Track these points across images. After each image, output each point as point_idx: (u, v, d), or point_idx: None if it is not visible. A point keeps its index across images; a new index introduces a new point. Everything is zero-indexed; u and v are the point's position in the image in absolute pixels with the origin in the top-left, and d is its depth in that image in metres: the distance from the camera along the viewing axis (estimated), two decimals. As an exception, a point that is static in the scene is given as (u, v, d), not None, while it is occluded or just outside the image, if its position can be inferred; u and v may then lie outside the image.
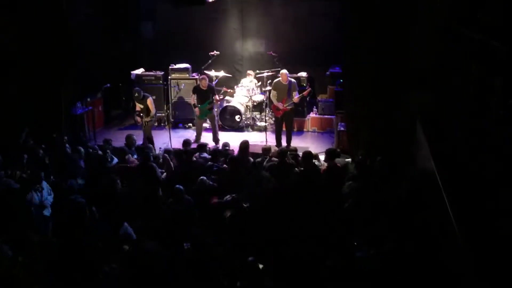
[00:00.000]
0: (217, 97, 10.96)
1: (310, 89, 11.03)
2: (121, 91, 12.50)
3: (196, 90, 10.88)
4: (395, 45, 7.75)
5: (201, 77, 11.13)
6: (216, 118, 11.12)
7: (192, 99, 10.94)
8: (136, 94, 10.25)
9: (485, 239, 4.61)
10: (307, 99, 11.53)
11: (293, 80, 10.54)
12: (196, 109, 10.82)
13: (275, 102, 10.36)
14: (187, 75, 12.16)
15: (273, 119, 11.04)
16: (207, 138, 11.01)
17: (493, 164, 5.21)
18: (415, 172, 7.23)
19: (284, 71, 10.49)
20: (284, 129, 10.55)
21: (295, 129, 11.33)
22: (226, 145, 9.32)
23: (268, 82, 11.60)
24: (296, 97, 10.22)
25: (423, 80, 7.39)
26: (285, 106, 10.23)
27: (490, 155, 5.31)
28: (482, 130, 5.55)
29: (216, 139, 10.90)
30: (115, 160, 8.53)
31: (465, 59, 5.74)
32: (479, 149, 5.53)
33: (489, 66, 5.14)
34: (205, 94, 10.79)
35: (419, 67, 7.41)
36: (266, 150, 8.65)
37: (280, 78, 10.40)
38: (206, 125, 11.54)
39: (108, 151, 8.67)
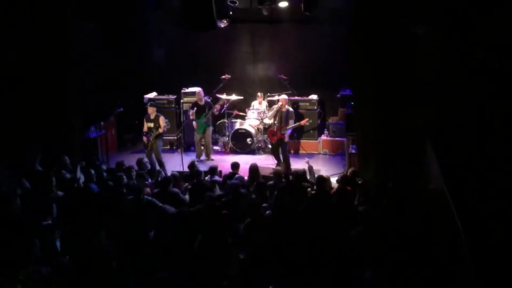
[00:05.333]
0: (215, 109, 11.30)
1: (307, 119, 11.19)
2: (134, 115, 12.64)
3: (194, 105, 11.35)
4: (402, 66, 7.78)
5: (197, 91, 11.50)
6: (211, 134, 11.55)
7: (192, 114, 11.33)
8: (150, 103, 10.60)
9: (496, 259, 4.56)
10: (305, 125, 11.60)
11: (290, 109, 10.71)
12: (194, 123, 11.23)
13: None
14: (199, 98, 12.32)
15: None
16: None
17: (505, 182, 5.16)
18: (426, 194, 7.17)
19: (284, 96, 10.73)
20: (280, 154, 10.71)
21: (292, 152, 11.67)
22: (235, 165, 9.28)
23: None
24: (289, 126, 10.51)
25: (433, 100, 7.38)
26: (281, 133, 10.42)
27: (502, 173, 5.27)
28: (493, 148, 5.51)
29: (208, 154, 11.47)
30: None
31: (472, 77, 5.74)
32: (490, 167, 5.49)
33: (494, 83, 5.15)
34: (201, 109, 11.23)
35: (427, 87, 7.41)
36: (277, 173, 8.67)
37: (280, 104, 10.53)
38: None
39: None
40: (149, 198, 7.21)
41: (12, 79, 9.06)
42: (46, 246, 6.01)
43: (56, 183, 7.70)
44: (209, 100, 11.53)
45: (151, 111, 10.45)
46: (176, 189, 7.79)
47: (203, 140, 11.51)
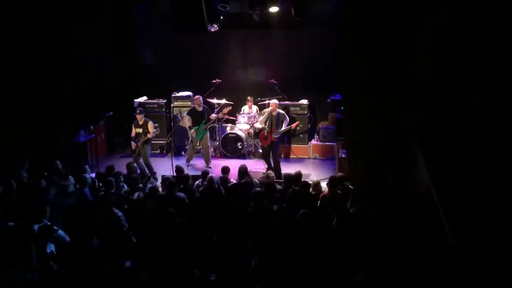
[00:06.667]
0: (213, 115, 11.25)
1: (298, 122, 11.12)
2: (124, 119, 12.58)
3: (192, 112, 11.20)
4: (393, 70, 7.81)
5: (195, 97, 11.38)
6: (209, 139, 11.42)
7: (187, 121, 11.17)
8: (138, 111, 10.47)
9: (484, 257, 4.58)
10: (297, 129, 11.52)
11: (281, 111, 10.70)
12: (193, 131, 11.10)
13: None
14: (189, 103, 12.29)
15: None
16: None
17: (492, 181, 5.19)
18: (414, 195, 7.21)
19: (274, 101, 10.76)
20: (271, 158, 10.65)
21: (282, 156, 11.72)
22: (226, 170, 9.20)
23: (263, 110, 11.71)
24: (281, 130, 10.47)
25: (424, 105, 7.42)
26: (273, 136, 10.39)
27: (488, 172, 5.30)
28: (481, 146, 5.54)
29: (208, 160, 11.29)
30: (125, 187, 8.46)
31: (462, 75, 5.78)
32: (477, 167, 5.52)
33: (487, 82, 5.18)
34: (200, 115, 11.12)
35: (418, 91, 7.45)
36: (269, 178, 8.63)
37: (270, 108, 10.53)
38: (199, 146, 11.77)
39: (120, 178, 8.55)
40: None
41: (3, 81, 9.00)
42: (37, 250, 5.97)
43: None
44: (206, 106, 11.48)
45: (139, 118, 10.44)
46: (183, 194, 7.72)
47: (198, 145, 11.49)
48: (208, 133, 11.38)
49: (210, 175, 8.29)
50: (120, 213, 6.99)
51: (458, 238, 4.89)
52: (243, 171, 8.50)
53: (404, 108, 7.51)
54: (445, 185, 5.73)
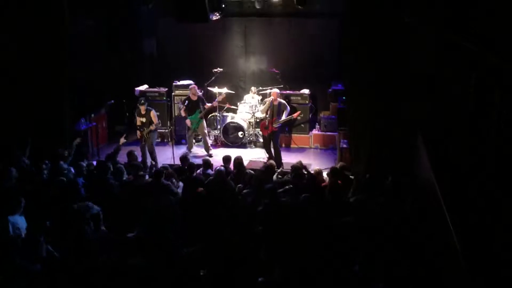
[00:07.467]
0: (208, 104, 11.29)
1: (300, 112, 11.07)
2: (125, 107, 12.56)
3: (187, 101, 11.17)
4: (395, 61, 7.80)
5: (190, 86, 11.36)
6: (205, 127, 11.40)
7: (183, 111, 11.21)
8: (142, 101, 10.40)
9: (486, 254, 4.60)
10: (298, 118, 11.46)
11: (283, 101, 10.68)
12: (188, 121, 11.13)
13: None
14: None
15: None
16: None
17: (495, 176, 5.20)
18: (417, 188, 7.22)
19: (276, 90, 10.71)
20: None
21: (283, 146, 11.66)
22: (227, 158, 9.14)
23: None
24: (282, 120, 10.43)
25: (424, 94, 7.41)
26: (274, 126, 10.38)
27: (491, 167, 5.31)
28: (483, 142, 5.55)
29: (207, 148, 11.31)
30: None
31: (464, 71, 5.77)
32: (480, 161, 5.53)
33: (487, 78, 5.18)
34: (195, 104, 11.12)
35: (420, 82, 7.44)
36: (270, 167, 8.63)
37: (271, 98, 10.50)
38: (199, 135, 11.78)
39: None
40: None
41: (4, 70, 8.98)
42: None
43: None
44: (201, 95, 11.46)
45: (142, 108, 10.39)
46: (168, 182, 7.75)
47: (197, 134, 11.50)
48: (204, 121, 11.38)
49: (218, 169, 8.20)
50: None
51: (459, 229, 4.91)
52: (238, 162, 8.46)
53: (407, 102, 7.50)
54: (446, 176, 5.74)
